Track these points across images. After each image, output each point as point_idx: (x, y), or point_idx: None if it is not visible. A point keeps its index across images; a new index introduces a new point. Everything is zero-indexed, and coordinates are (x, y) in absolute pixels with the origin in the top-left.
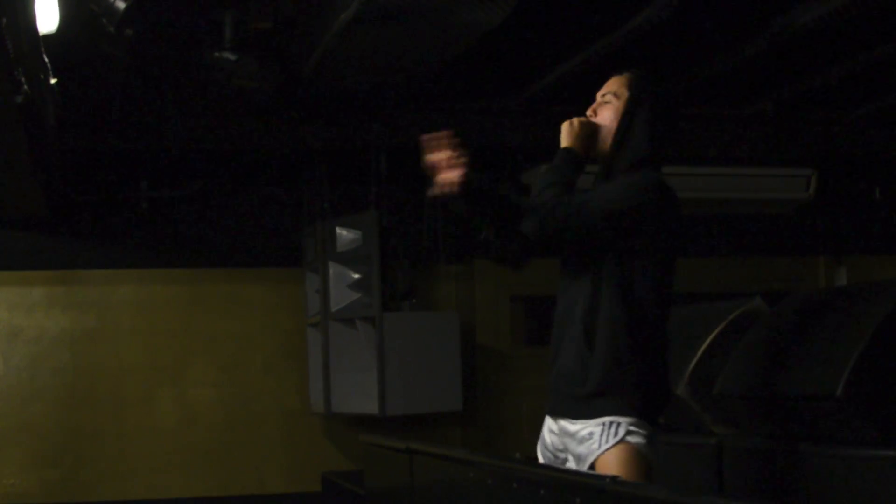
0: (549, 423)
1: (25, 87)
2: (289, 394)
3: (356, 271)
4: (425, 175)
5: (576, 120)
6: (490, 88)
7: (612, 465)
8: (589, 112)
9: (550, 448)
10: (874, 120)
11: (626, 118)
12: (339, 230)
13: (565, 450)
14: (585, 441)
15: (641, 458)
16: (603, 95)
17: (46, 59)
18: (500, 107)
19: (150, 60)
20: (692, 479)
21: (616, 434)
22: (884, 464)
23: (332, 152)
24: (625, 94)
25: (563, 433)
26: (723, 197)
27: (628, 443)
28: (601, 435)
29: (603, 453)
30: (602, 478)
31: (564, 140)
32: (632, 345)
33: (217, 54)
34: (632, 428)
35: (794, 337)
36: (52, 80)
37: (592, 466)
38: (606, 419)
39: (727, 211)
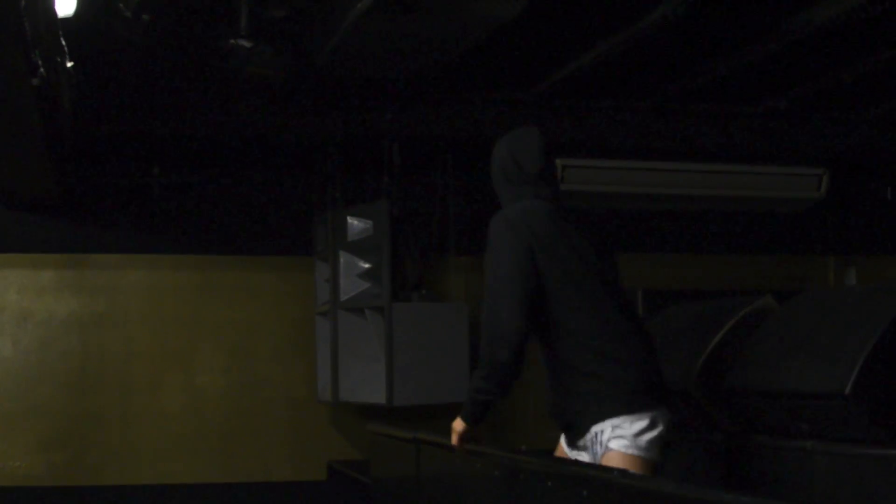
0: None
1: (42, 69)
2: (296, 382)
3: (366, 261)
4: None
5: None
6: (504, 81)
7: None
8: None
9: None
10: (888, 120)
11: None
12: (350, 219)
13: None
14: (582, 449)
15: (628, 460)
16: None
17: (63, 43)
18: (514, 99)
19: (165, 46)
20: (700, 475)
21: (601, 444)
22: (891, 462)
23: (344, 141)
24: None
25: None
26: (734, 195)
27: (611, 450)
28: (591, 449)
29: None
30: (609, 470)
31: (459, 426)
32: (582, 356)
33: (232, 41)
34: (614, 433)
35: (803, 335)
36: (69, 64)
37: None
38: (592, 429)
39: (738, 209)
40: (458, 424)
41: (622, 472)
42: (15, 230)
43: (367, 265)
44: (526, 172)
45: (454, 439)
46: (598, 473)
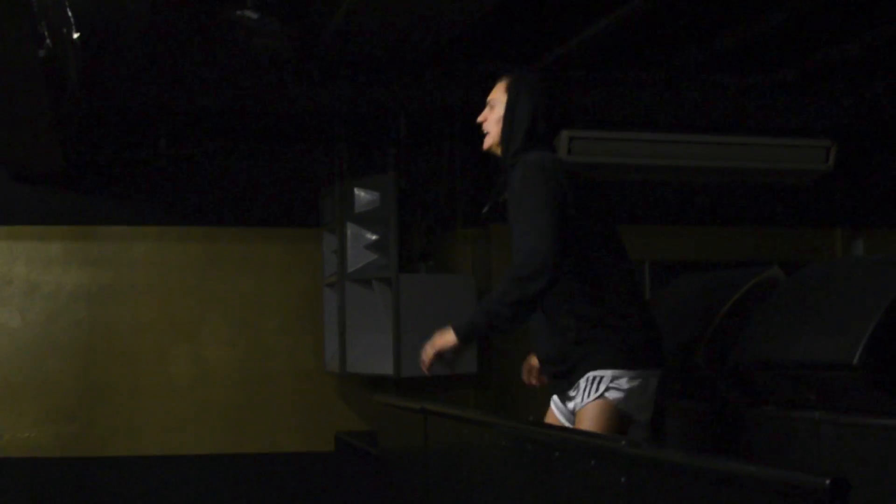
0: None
1: (48, 41)
2: (304, 353)
3: (373, 232)
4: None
5: (430, 352)
6: (511, 52)
7: (588, 418)
8: (480, 118)
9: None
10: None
11: (508, 117)
12: (357, 191)
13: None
14: (572, 398)
15: (616, 413)
16: (488, 102)
17: (70, 14)
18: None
19: (172, 18)
20: (708, 446)
21: (597, 389)
22: None
23: (352, 113)
24: (503, 97)
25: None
26: (742, 167)
27: (606, 398)
28: (584, 390)
29: (584, 406)
30: (617, 440)
31: (446, 338)
32: (591, 306)
33: (239, 13)
34: (612, 384)
35: (811, 306)
36: (75, 35)
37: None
38: (590, 374)
39: (746, 180)
40: (448, 338)
41: (631, 442)
42: (22, 202)
43: (374, 237)
44: (547, 128)
45: (430, 353)
46: (606, 443)
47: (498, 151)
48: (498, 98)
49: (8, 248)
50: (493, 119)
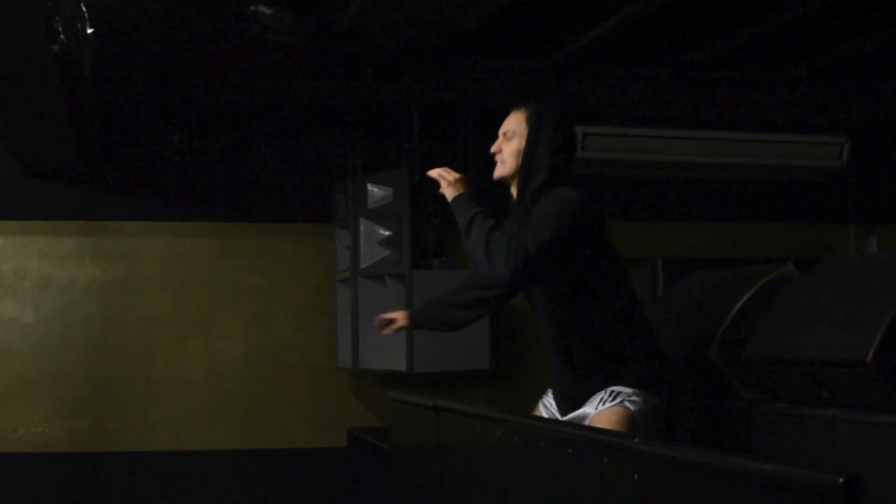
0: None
1: (62, 36)
2: (316, 349)
3: (386, 228)
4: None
5: (451, 176)
6: (523, 48)
7: (604, 419)
8: (494, 149)
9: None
10: None
11: (529, 152)
12: (370, 187)
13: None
14: (578, 409)
15: (632, 422)
16: (504, 133)
17: (84, 9)
18: (534, 66)
19: (185, 13)
20: (721, 443)
21: (614, 399)
22: None
23: (365, 109)
24: (523, 130)
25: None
26: (756, 163)
27: (625, 406)
28: (601, 399)
29: (600, 412)
30: (630, 437)
31: (453, 192)
32: (611, 336)
33: (253, 7)
34: (633, 398)
35: (824, 303)
36: (89, 30)
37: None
38: (611, 388)
39: (759, 177)
40: (455, 189)
41: (643, 440)
42: (36, 198)
43: (387, 232)
44: (566, 162)
45: (452, 176)
46: (619, 441)
47: (511, 183)
48: (516, 129)
49: (21, 243)
50: (509, 151)
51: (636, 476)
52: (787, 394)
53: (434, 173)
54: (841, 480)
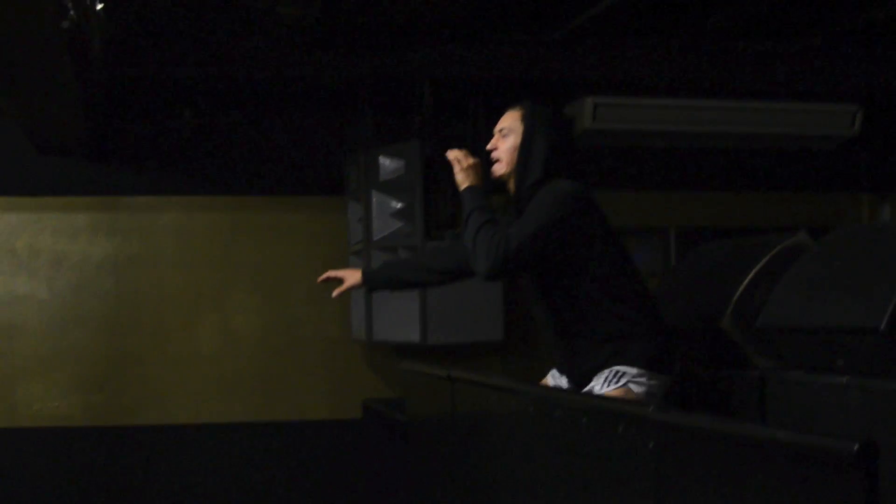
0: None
1: (72, 12)
2: (330, 322)
3: (399, 200)
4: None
5: (466, 161)
6: (535, 18)
7: None
8: (490, 146)
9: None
10: None
11: (525, 148)
12: (382, 159)
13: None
14: (595, 383)
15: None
16: (500, 130)
17: None
18: (544, 37)
19: None
20: (735, 412)
21: (618, 381)
22: None
23: (376, 81)
24: (519, 127)
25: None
26: (768, 132)
27: (628, 388)
28: (606, 380)
29: (604, 394)
30: (645, 406)
31: (465, 180)
32: (616, 319)
33: None
34: (637, 379)
35: (838, 271)
36: (99, 6)
37: None
38: (614, 368)
39: (771, 146)
40: (468, 178)
41: (658, 408)
42: (48, 174)
43: (399, 205)
44: (562, 161)
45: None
46: (634, 409)
47: (509, 180)
48: (512, 127)
49: (34, 219)
50: (505, 148)
51: (651, 444)
52: (800, 362)
53: (451, 155)
54: (856, 447)
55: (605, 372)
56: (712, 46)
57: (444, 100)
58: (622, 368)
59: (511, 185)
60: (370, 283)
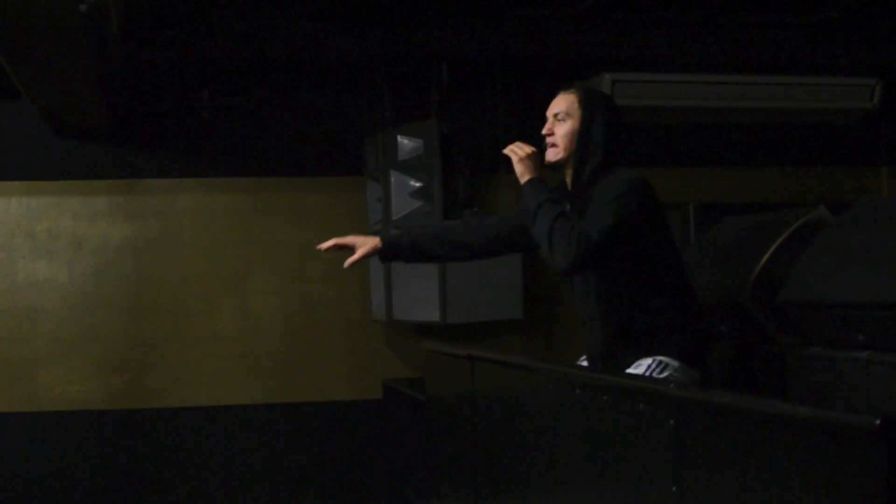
0: None
1: None
2: (350, 302)
3: (417, 180)
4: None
5: (522, 151)
6: None
7: None
8: (545, 131)
9: None
10: None
11: (584, 134)
12: (400, 139)
13: None
14: (635, 370)
15: None
16: (556, 115)
17: None
18: (562, 14)
19: None
20: (755, 388)
21: (662, 371)
22: None
23: (393, 60)
24: (577, 112)
25: None
26: (787, 106)
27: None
28: (648, 368)
29: None
30: (665, 382)
31: (526, 172)
32: (663, 310)
33: None
34: (675, 373)
35: (858, 246)
36: None
37: None
38: (658, 357)
39: (790, 120)
40: (528, 170)
41: (679, 385)
42: (67, 157)
43: (418, 184)
44: (620, 146)
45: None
46: (655, 386)
47: (566, 166)
48: (569, 112)
49: (54, 203)
50: (562, 133)
51: (672, 421)
52: (821, 337)
53: (508, 150)
54: (877, 422)
55: (649, 360)
56: (730, 21)
57: (462, 78)
58: (666, 360)
59: (567, 171)
60: (388, 252)
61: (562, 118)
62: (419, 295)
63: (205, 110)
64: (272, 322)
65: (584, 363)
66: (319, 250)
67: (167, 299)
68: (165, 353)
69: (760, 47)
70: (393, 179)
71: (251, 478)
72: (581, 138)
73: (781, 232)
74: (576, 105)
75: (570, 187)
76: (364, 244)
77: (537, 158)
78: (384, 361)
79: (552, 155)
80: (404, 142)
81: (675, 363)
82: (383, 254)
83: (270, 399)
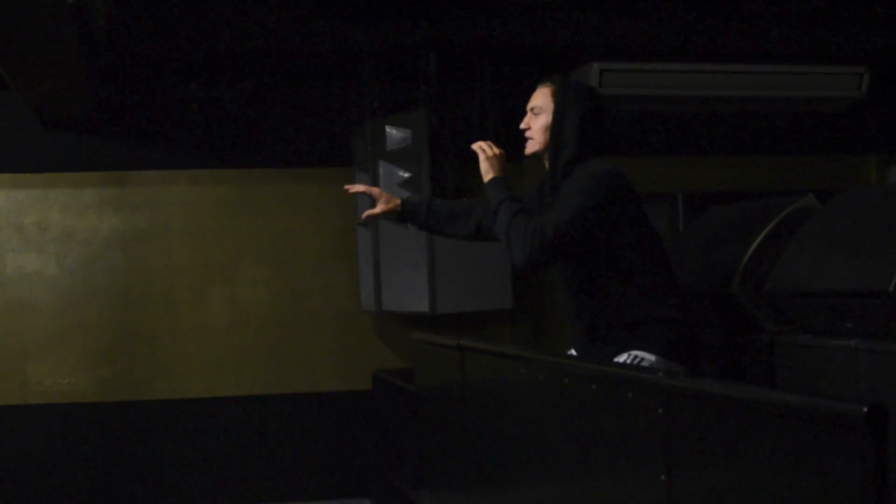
0: None
1: None
2: (339, 292)
3: (406, 170)
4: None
5: (491, 151)
6: None
7: None
8: (523, 125)
9: None
10: None
11: (556, 126)
12: (388, 129)
13: None
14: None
15: None
16: (532, 108)
17: None
18: (550, 4)
19: None
20: (744, 377)
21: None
22: None
23: (381, 51)
24: (550, 105)
25: None
26: (775, 95)
27: None
28: (624, 362)
29: None
30: (654, 371)
31: (490, 171)
32: (641, 304)
33: None
34: (655, 366)
35: (845, 234)
36: None
37: None
38: (633, 352)
39: (779, 109)
40: (493, 168)
41: (667, 374)
42: (55, 149)
43: (406, 174)
44: (596, 137)
45: (492, 151)
46: (644, 376)
47: (543, 158)
48: (542, 105)
49: (43, 195)
50: (537, 126)
51: (660, 410)
52: (809, 325)
53: (476, 146)
54: (865, 410)
55: (624, 356)
56: (717, 9)
57: (450, 68)
58: (641, 354)
59: (546, 164)
60: (406, 216)
61: (537, 112)
62: (408, 285)
63: (193, 102)
64: (262, 313)
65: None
66: (347, 192)
67: (157, 291)
68: (155, 345)
69: (749, 36)
70: (381, 170)
71: (241, 469)
72: (553, 132)
73: (769, 220)
74: (549, 98)
75: (548, 177)
76: (386, 202)
77: (504, 160)
78: (374, 352)
79: (529, 147)
80: (393, 132)
81: (651, 357)
82: (400, 216)
83: (260, 390)
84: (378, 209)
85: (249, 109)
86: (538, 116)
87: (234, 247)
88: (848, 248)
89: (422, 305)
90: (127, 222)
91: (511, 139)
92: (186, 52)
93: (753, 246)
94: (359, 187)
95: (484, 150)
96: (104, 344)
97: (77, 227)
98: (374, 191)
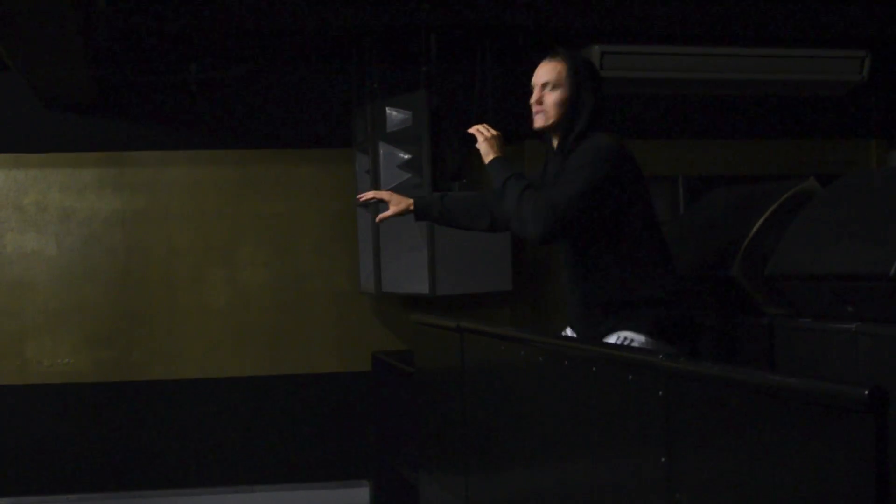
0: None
1: None
2: (339, 274)
3: (406, 151)
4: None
5: (488, 132)
6: None
7: None
8: (534, 100)
9: None
10: None
11: (574, 102)
12: (389, 110)
13: None
14: None
15: None
16: (544, 84)
17: None
18: None
19: None
20: (744, 359)
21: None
22: None
23: (381, 32)
24: (566, 81)
25: None
26: (776, 78)
27: None
28: (614, 343)
29: None
30: (654, 353)
31: (490, 152)
32: (632, 282)
33: None
34: (643, 346)
35: (846, 217)
36: None
37: None
38: (622, 333)
39: (779, 93)
40: (493, 149)
41: (668, 356)
42: (55, 130)
43: (407, 156)
44: (606, 113)
45: (490, 132)
46: (644, 357)
47: (553, 133)
48: (556, 80)
49: (42, 175)
50: (551, 101)
51: (661, 392)
52: (810, 309)
53: (473, 129)
54: (866, 393)
55: (614, 336)
56: None
57: (451, 49)
58: (629, 334)
59: (554, 138)
60: (420, 214)
61: (551, 86)
62: (408, 267)
63: (193, 82)
64: (261, 294)
65: (568, 333)
66: (358, 200)
67: (156, 272)
68: (154, 326)
69: (750, 19)
70: (382, 151)
71: (240, 450)
72: (570, 108)
73: (770, 203)
74: (564, 74)
75: (555, 152)
76: (398, 203)
77: (501, 141)
78: (373, 334)
79: (540, 122)
80: (393, 113)
81: (639, 337)
82: (416, 214)
83: (259, 371)
84: (391, 211)
85: (249, 90)
86: (552, 92)
87: (233, 228)
88: (849, 232)
89: (422, 287)
90: (126, 203)
91: (512, 120)
92: (186, 33)
93: (754, 229)
94: (368, 195)
95: (481, 132)
96: (103, 324)
97: (76, 208)
98: (385, 195)
